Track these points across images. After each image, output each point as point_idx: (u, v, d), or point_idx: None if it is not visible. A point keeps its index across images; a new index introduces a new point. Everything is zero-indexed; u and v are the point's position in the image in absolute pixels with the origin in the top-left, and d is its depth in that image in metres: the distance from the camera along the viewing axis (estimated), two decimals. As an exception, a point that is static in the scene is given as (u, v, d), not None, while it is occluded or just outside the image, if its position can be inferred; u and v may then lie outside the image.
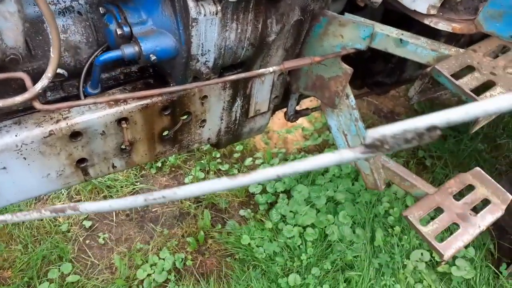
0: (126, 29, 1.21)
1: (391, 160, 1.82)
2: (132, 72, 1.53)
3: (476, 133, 3.69)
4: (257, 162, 3.50)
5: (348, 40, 1.50)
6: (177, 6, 1.16)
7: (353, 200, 3.13)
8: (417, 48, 1.48)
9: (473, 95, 1.26)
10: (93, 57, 1.40)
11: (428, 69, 1.39)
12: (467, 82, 1.33)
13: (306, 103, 3.52)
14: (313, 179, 3.27)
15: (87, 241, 2.87)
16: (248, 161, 3.50)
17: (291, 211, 3.02)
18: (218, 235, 2.96)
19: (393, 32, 1.48)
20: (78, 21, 1.38)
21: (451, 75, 1.33)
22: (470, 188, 1.83)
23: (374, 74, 2.44)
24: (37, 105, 1.01)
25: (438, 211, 1.75)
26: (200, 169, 3.41)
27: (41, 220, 2.91)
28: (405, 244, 2.90)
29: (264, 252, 2.78)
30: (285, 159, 3.54)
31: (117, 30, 1.21)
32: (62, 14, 1.35)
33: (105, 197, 3.14)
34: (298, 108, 2.09)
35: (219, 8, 1.19)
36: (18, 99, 0.98)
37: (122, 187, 3.19)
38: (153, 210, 3.16)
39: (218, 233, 2.98)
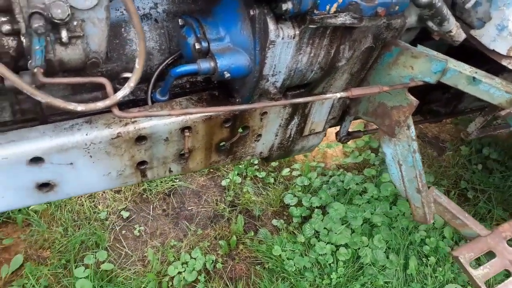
0: (204, 44, 1.24)
1: (443, 195, 1.77)
2: (198, 82, 1.56)
3: (525, 170, 3.55)
4: (294, 173, 3.49)
5: (418, 72, 1.47)
6: (257, 27, 1.17)
7: (389, 225, 3.07)
8: (490, 88, 1.43)
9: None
10: (164, 64, 1.44)
11: (503, 112, 1.34)
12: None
13: (354, 123, 3.48)
14: (350, 198, 3.23)
15: (123, 231, 2.95)
16: (286, 171, 3.49)
17: (325, 228, 2.99)
18: (249, 242, 2.97)
19: (466, 69, 1.44)
20: (154, 28, 1.41)
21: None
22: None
23: (430, 102, 2.39)
24: (116, 112, 1.05)
25: (489, 255, 1.69)
26: (238, 174, 3.43)
27: (82, 205, 3.00)
28: (439, 276, 2.82)
29: (294, 265, 2.77)
30: (323, 174, 3.51)
31: (196, 44, 1.23)
32: (140, 20, 1.38)
33: (144, 190, 3.22)
34: (350, 129, 2.06)
35: (297, 32, 1.19)
36: (100, 105, 1.02)
37: (161, 182, 3.25)
38: (188, 208, 3.21)
39: (250, 239, 2.99)
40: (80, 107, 0.99)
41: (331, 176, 3.46)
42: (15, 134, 1.20)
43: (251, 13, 1.16)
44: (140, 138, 1.34)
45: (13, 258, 2.65)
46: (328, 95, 1.36)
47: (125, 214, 3.03)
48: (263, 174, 3.47)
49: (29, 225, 2.87)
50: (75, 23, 1.07)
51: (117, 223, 2.98)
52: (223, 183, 3.37)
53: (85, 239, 2.78)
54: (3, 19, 1.04)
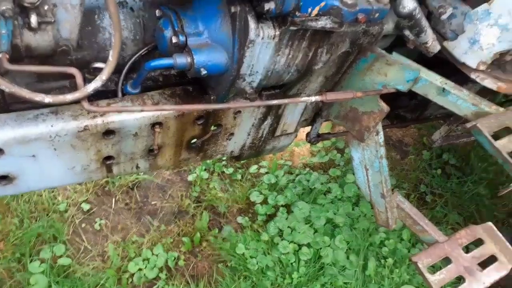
0: (182, 38, 1.20)
1: (406, 201, 1.82)
2: (171, 75, 1.51)
3: (480, 177, 3.72)
4: (261, 170, 3.50)
5: (391, 80, 1.50)
6: (238, 24, 1.14)
7: (351, 225, 3.14)
8: (457, 100, 1.48)
9: (510, 160, 1.26)
10: (137, 55, 1.38)
11: (468, 125, 1.39)
12: (505, 145, 1.33)
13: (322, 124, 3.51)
14: (315, 197, 3.27)
15: (83, 225, 2.84)
16: (253, 168, 3.49)
17: (289, 227, 3.01)
18: (213, 239, 2.95)
19: (437, 79, 1.48)
20: (129, 17, 1.35)
21: (491, 135, 1.33)
22: (479, 241, 1.83)
23: (397, 107, 2.45)
24: (86, 106, 1.00)
25: (445, 260, 1.75)
26: (205, 169, 3.39)
27: (40, 195, 2.87)
28: (395, 277, 2.91)
29: (257, 264, 2.77)
30: (289, 172, 3.54)
31: (173, 38, 1.19)
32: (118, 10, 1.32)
33: (107, 182, 3.12)
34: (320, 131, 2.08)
35: (277, 33, 1.18)
36: (69, 97, 0.96)
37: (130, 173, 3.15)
38: (152, 203, 3.14)
39: (213, 237, 2.97)
40: (47, 99, 0.94)
41: (297, 175, 3.49)
42: (-28, 123, 1.12)
43: (233, 10, 1.14)
44: (108, 132, 1.29)
45: (-39, 250, 2.50)
46: (302, 99, 1.36)
47: (86, 206, 2.93)
48: (230, 170, 3.45)
49: (-20, 216, 2.71)
50: (46, 7, 1.01)
51: (77, 216, 2.87)
52: (190, 178, 3.32)
53: (42, 231, 2.66)
54: (-35, -1, 0.96)
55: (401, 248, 3.03)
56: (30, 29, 0.99)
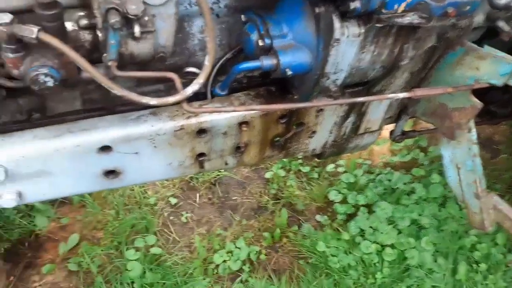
0: (268, 41, 1.25)
1: (504, 202, 1.71)
2: (255, 76, 1.57)
3: None
4: (339, 169, 3.46)
5: (484, 74, 1.42)
6: (322, 24, 1.17)
7: (438, 227, 2.99)
8: (562, 93, 1.35)
9: None
10: (224, 59, 1.47)
11: None
12: None
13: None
14: (397, 197, 3.17)
15: (171, 217, 3.05)
16: (330, 167, 3.46)
17: (371, 227, 2.95)
18: (293, 236, 2.99)
19: (538, 72, 1.37)
20: (215, 23, 1.44)
21: None
22: None
23: (488, 102, 2.29)
24: (186, 107, 1.09)
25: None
26: (281, 167, 3.45)
27: (132, 190, 3.13)
28: (489, 284, 2.72)
29: (338, 262, 2.76)
30: (369, 172, 3.46)
31: (259, 41, 1.25)
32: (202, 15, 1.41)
33: (191, 178, 3.30)
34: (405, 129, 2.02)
35: (362, 30, 1.18)
36: (171, 99, 1.06)
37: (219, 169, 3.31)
38: (233, 198, 3.27)
39: (293, 233, 3.01)
40: (153, 101, 1.04)
41: (378, 174, 3.40)
42: (87, 123, 1.27)
43: (316, 10, 1.16)
44: (201, 131, 1.39)
45: (69, 236, 2.81)
46: (389, 95, 1.34)
47: (173, 200, 3.13)
48: (307, 168, 3.46)
49: (83, 207, 3.02)
50: (146, 18, 1.12)
51: (165, 209, 3.08)
52: (267, 175, 3.39)
53: (136, 222, 2.90)
54: (81, 14, 1.10)
55: (496, 253, 2.83)
56: (134, 38, 1.11)
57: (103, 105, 1.36)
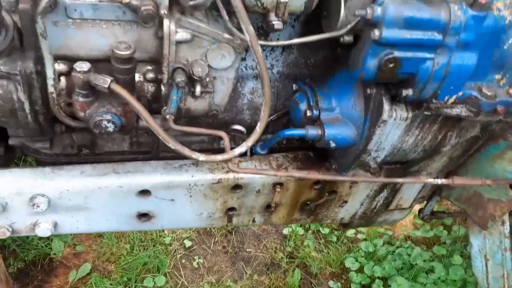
0: (316, 112, 1.30)
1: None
2: (294, 139, 1.61)
3: None
4: (359, 236, 3.40)
5: (525, 170, 1.42)
6: (372, 105, 1.21)
7: (455, 312, 2.87)
8: None
9: None
10: (269, 119, 1.52)
11: None
12: None
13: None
14: (415, 274, 3.07)
15: (183, 260, 3.02)
16: (351, 232, 3.41)
17: (384, 302, 2.86)
18: (303, 299, 2.91)
19: None
20: (266, 86, 1.50)
21: None
22: None
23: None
24: (231, 166, 1.12)
25: None
26: (301, 225, 3.41)
27: (151, 226, 3.13)
28: None
29: (347, 335, 2.65)
30: (389, 243, 3.38)
31: (307, 111, 1.30)
32: (255, 78, 1.49)
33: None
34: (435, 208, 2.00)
35: (410, 115, 1.21)
36: (219, 158, 1.10)
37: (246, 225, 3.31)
38: (247, 250, 3.23)
39: (304, 297, 2.93)
40: (202, 158, 1.08)
41: (398, 247, 3.32)
42: (132, 166, 1.32)
43: (368, 91, 1.21)
44: (236, 187, 1.41)
45: (82, 265, 2.81)
46: (428, 180, 1.35)
47: (188, 243, 3.11)
48: (326, 230, 3.42)
49: (100, 236, 3.04)
50: (207, 79, 1.19)
51: (179, 251, 3.07)
52: (285, 231, 3.36)
53: (148, 261, 2.88)
54: (149, 68, 1.17)
55: None
56: (193, 96, 1.17)
57: (149, 149, 1.41)
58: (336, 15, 1.20)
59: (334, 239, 3.37)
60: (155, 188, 1.32)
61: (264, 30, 1.40)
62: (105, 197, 1.28)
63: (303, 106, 1.34)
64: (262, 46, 1.37)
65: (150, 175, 1.31)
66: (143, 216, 1.41)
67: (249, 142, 1.11)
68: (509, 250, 1.59)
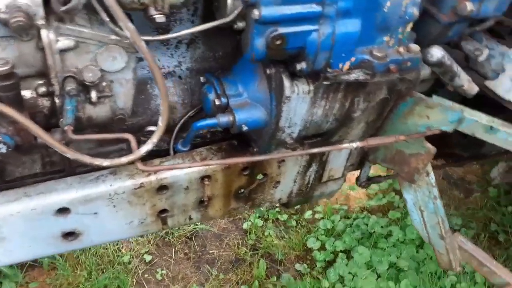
0: (224, 100, 1.30)
1: (469, 242, 1.73)
2: (218, 132, 1.62)
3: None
4: (316, 216, 3.46)
5: (434, 122, 1.49)
6: (273, 84, 1.23)
7: (417, 269, 2.98)
8: (508, 137, 1.43)
9: None
10: (186, 117, 1.51)
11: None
12: None
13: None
14: (375, 241, 3.17)
15: (146, 275, 2.96)
16: (308, 214, 3.47)
17: (350, 273, 2.93)
18: (272, 287, 2.93)
19: (483, 118, 1.45)
20: (177, 84, 1.50)
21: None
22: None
23: (450, 145, 2.37)
24: (140, 166, 1.11)
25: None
26: (259, 216, 3.43)
27: (106, 249, 3.05)
28: (471, 326, 2.69)
29: (318, 312, 2.70)
30: (346, 217, 3.47)
31: (216, 100, 1.30)
32: (165, 77, 1.48)
33: (166, 233, 3.25)
34: (370, 174, 2.07)
35: (311, 88, 1.24)
36: (124, 160, 1.08)
37: (183, 225, 3.28)
38: (210, 252, 3.21)
39: (272, 285, 2.95)
40: (106, 163, 1.06)
41: (354, 219, 3.41)
42: (44, 186, 1.27)
43: (268, 72, 1.23)
44: (162, 188, 1.40)
45: (38, 301, 2.70)
46: (344, 145, 1.39)
47: (148, 257, 3.06)
48: (285, 217, 3.46)
49: (54, 269, 2.92)
50: (104, 84, 1.16)
51: (140, 267, 3.00)
52: (244, 226, 3.37)
53: (108, 283, 2.80)
54: (40, 82, 1.13)
55: (476, 292, 2.82)
56: (91, 103, 1.14)
57: (63, 167, 1.36)
58: (224, 2, 1.21)
59: (294, 223, 3.42)
60: (73, 205, 1.28)
61: (163, 28, 1.39)
62: (20, 223, 1.22)
63: (211, 96, 1.34)
64: (157, 42, 1.36)
65: (65, 192, 1.26)
66: (69, 235, 1.36)
67: (154, 138, 1.10)
68: (438, 198, 1.67)
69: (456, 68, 1.14)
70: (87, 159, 1.05)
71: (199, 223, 3.33)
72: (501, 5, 1.23)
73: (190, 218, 1.58)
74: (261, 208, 3.48)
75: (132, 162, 1.12)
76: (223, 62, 1.52)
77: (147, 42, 1.20)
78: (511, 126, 1.43)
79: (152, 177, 1.36)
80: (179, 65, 1.49)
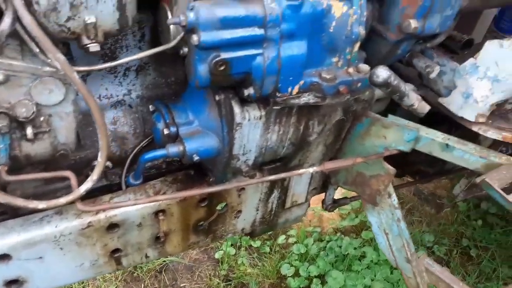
0: (173, 129, 1.25)
1: (435, 264, 1.70)
2: (174, 161, 1.56)
3: (527, 223, 3.46)
4: (290, 240, 3.40)
5: (392, 142, 1.48)
6: (223, 110, 1.19)
7: (391, 291, 2.94)
8: (464, 154, 1.42)
9: (529, 213, 1.17)
10: (138, 148, 1.45)
11: (478, 179, 1.32)
12: (521, 197, 1.25)
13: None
14: (349, 263, 3.12)
15: (113, 315, 2.81)
16: (281, 239, 3.40)
17: (324, 299, 2.86)
18: (246, 319, 2.82)
19: (439, 136, 1.44)
20: (128, 113, 1.44)
21: (503, 188, 1.26)
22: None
23: (415, 163, 2.38)
24: (80, 206, 1.04)
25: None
26: (231, 245, 3.34)
27: (70, 287, 2.88)
28: None
29: None
30: (320, 239, 3.42)
31: (164, 130, 1.25)
32: (114, 107, 1.42)
33: (135, 268, 3.11)
34: (336, 197, 2.03)
35: (263, 113, 1.21)
36: (62, 201, 1.01)
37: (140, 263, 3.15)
38: (181, 285, 3.09)
39: (246, 316, 2.85)
40: (41, 205, 0.98)
41: (328, 242, 3.36)
42: (-19, 232, 1.18)
43: (217, 98, 1.19)
44: (112, 226, 1.32)
45: None
46: (301, 171, 1.35)
47: (117, 294, 2.91)
48: (258, 243, 3.38)
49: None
50: (41, 118, 1.09)
51: (107, 306, 2.85)
52: (217, 255, 3.27)
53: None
54: (-29, 120, 1.05)
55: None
56: (27, 140, 1.07)
57: (4, 210, 1.27)
58: (167, 28, 1.18)
59: (267, 249, 3.34)
60: (15, 250, 1.18)
61: (109, 56, 1.34)
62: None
63: (160, 125, 1.29)
64: (104, 70, 1.31)
65: (5, 237, 1.17)
66: (13, 283, 1.26)
67: (94, 176, 1.04)
68: (402, 220, 1.64)
69: (404, 87, 1.13)
70: (19, 202, 0.97)
71: (169, 255, 3.21)
72: (445, 21, 1.24)
73: (147, 256, 1.49)
74: (234, 237, 3.39)
75: (72, 202, 1.05)
76: (176, 88, 1.48)
77: (88, 72, 1.15)
78: (466, 144, 1.43)
79: (101, 215, 1.28)
80: (128, 93, 1.44)
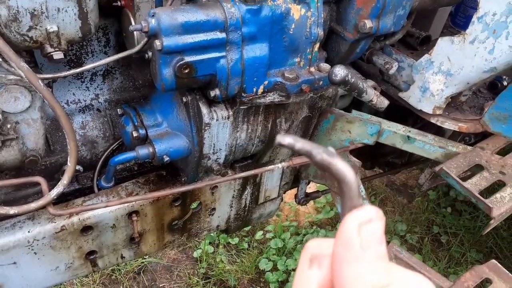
0: (142, 131, 1.28)
1: (403, 250, 1.78)
2: (146, 163, 1.58)
3: (493, 209, 3.61)
4: (268, 235, 3.46)
5: (356, 136, 1.54)
6: (191, 111, 1.22)
7: (366, 280, 3.03)
8: (424, 145, 1.50)
9: (482, 199, 1.25)
10: (108, 151, 1.46)
11: (436, 168, 1.40)
12: (476, 183, 1.33)
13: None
14: (325, 256, 3.19)
15: (92, 319, 2.80)
16: (259, 234, 3.45)
17: (302, 291, 2.92)
18: (226, 315, 2.86)
19: (400, 129, 1.52)
20: (96, 117, 1.45)
21: (460, 175, 1.34)
22: (487, 281, 1.76)
23: (384, 154, 2.47)
24: (51, 210, 1.05)
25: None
26: (210, 243, 3.37)
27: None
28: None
29: (274, 336, 2.66)
30: (296, 233, 3.49)
31: (133, 132, 1.27)
32: (82, 111, 1.43)
33: (113, 270, 3.10)
34: (308, 190, 2.09)
35: (230, 113, 1.25)
36: (33, 205, 1.02)
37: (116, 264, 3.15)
38: (160, 286, 3.10)
39: (226, 313, 2.88)
40: (12, 211, 0.99)
41: (304, 235, 3.43)
42: (-48, 241, 1.18)
43: (184, 100, 1.22)
44: (86, 229, 1.33)
45: None
46: (270, 167, 1.40)
47: (98, 299, 2.90)
48: (236, 240, 3.42)
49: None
50: (8, 126, 1.10)
51: (86, 310, 2.84)
52: (195, 254, 3.29)
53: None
54: None
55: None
56: (-4, 148, 1.08)
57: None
58: (131, 33, 1.20)
59: (246, 246, 3.38)
60: (-13, 257, 1.19)
61: (75, 62, 1.36)
62: None
63: (129, 128, 1.31)
64: (70, 76, 1.32)
65: (-24, 244, 1.17)
66: (-13, 290, 1.26)
67: (65, 179, 1.05)
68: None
69: (362, 84, 1.19)
70: (-11, 208, 0.98)
71: (147, 256, 3.22)
72: (398, 20, 1.31)
73: (123, 257, 1.51)
74: (212, 235, 3.43)
75: (44, 207, 1.06)
76: (144, 91, 1.50)
77: (54, 79, 1.16)
78: (426, 135, 1.51)
79: (74, 219, 1.30)
80: (96, 97, 1.45)
